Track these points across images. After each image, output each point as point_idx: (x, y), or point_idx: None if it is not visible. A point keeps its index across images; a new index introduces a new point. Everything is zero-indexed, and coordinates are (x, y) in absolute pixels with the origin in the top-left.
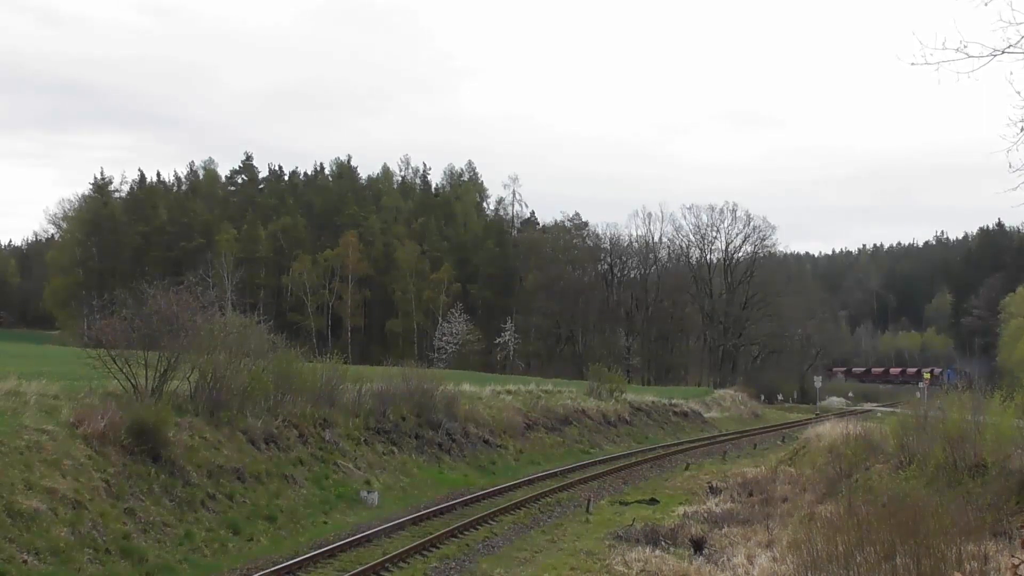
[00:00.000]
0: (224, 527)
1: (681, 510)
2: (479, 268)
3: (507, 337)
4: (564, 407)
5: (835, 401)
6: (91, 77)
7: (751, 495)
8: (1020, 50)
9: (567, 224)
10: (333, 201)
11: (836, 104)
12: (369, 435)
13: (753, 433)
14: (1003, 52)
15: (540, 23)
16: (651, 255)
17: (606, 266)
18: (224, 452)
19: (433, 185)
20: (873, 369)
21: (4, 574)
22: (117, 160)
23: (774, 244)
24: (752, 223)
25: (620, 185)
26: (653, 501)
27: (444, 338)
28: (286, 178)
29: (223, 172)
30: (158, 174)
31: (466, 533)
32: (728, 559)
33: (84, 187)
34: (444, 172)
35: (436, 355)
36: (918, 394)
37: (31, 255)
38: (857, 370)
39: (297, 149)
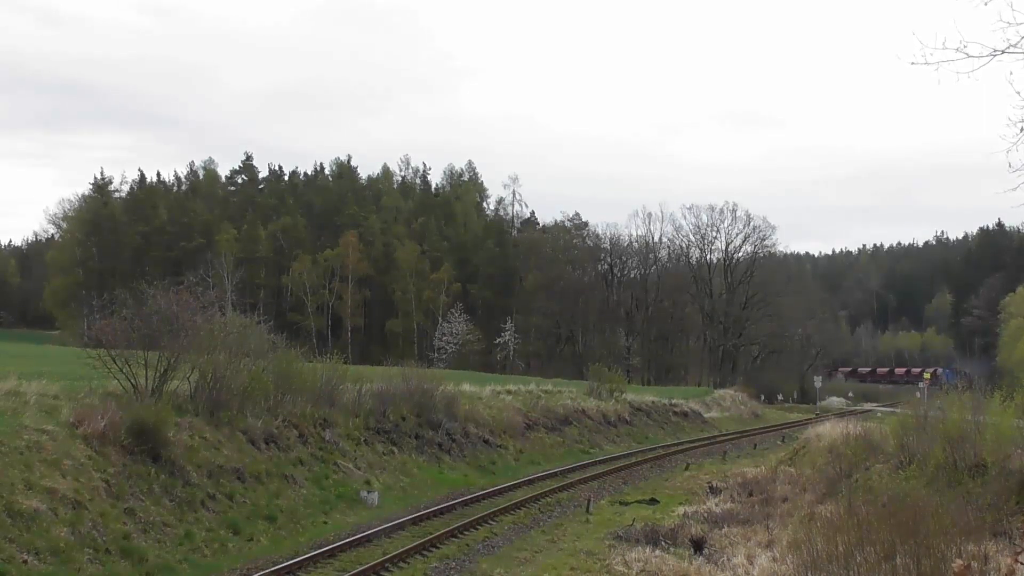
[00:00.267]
0: (224, 527)
1: (681, 510)
2: (479, 268)
3: (507, 337)
4: (564, 407)
5: (835, 401)
6: (91, 77)
7: (751, 495)
8: (1020, 50)
9: (567, 224)
10: (333, 201)
11: (836, 104)
12: (369, 435)
13: (753, 433)
14: (1003, 52)
15: (540, 24)
16: (651, 255)
17: (606, 266)
18: (224, 452)
19: (433, 185)
20: (878, 369)
21: (4, 574)
22: (117, 160)
23: (774, 244)
24: (752, 223)
25: (620, 185)
26: (653, 501)
27: (444, 338)
28: (286, 178)
29: (223, 172)
30: (158, 174)
31: (466, 533)
32: (728, 559)
33: (84, 187)
34: (444, 172)
35: (436, 355)
36: (918, 394)
37: (31, 255)
38: (863, 370)
39: (297, 149)
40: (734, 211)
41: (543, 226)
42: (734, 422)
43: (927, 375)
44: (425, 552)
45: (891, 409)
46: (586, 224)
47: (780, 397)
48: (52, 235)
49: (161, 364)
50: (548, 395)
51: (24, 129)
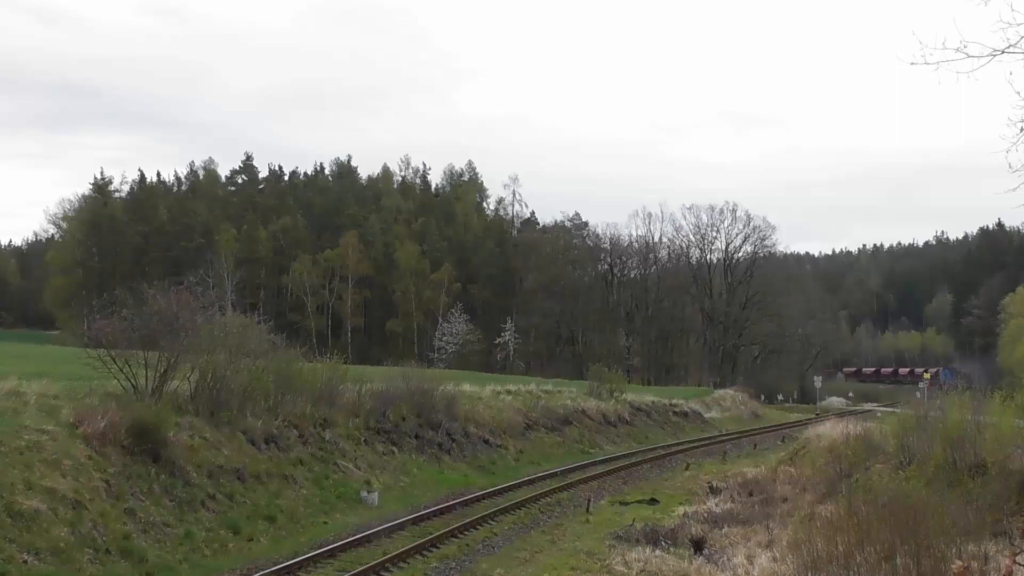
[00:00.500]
0: (224, 527)
1: (681, 510)
2: (479, 268)
3: (507, 337)
4: (564, 407)
5: (835, 401)
6: (91, 77)
7: (751, 495)
8: (1020, 50)
9: (567, 224)
10: (333, 201)
11: (836, 104)
12: (369, 435)
13: (753, 433)
14: (1003, 52)
15: (540, 24)
16: (651, 255)
17: (606, 266)
18: (224, 452)
19: (433, 185)
20: (879, 370)
21: (4, 574)
22: (117, 160)
23: (774, 244)
24: (752, 223)
25: (620, 185)
26: (653, 501)
27: (444, 338)
28: (286, 178)
29: (223, 172)
30: (158, 174)
31: (466, 533)
32: (728, 559)
33: (84, 187)
34: (444, 172)
35: (436, 355)
36: (918, 394)
37: (31, 255)
38: (864, 370)
39: (297, 149)
40: (734, 211)
41: (543, 226)
42: (734, 422)
43: (927, 375)
44: (425, 552)
45: (891, 409)
46: (586, 224)
47: (780, 397)
48: (52, 235)
49: (161, 364)
50: (548, 395)
51: (24, 129)
